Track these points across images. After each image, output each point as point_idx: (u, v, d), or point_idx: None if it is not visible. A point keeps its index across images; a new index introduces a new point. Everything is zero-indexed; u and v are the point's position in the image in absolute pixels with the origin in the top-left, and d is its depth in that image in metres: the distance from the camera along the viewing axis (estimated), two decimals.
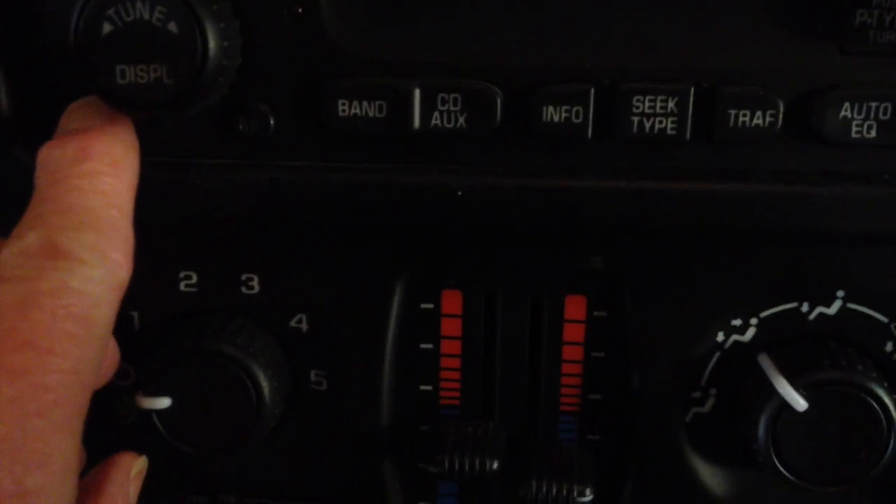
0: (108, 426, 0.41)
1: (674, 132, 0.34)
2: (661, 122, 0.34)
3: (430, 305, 0.41)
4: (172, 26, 0.30)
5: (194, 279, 0.40)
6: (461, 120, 0.35)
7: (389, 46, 0.35)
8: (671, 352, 0.39)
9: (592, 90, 0.34)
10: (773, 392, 0.37)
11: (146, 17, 0.30)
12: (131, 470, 0.36)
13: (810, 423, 0.37)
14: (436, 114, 0.35)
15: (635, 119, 0.34)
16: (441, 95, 0.35)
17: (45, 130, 0.33)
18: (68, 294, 0.29)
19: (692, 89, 0.34)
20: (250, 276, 0.40)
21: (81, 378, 0.29)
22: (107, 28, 0.30)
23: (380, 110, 0.35)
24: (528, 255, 0.39)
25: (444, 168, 0.36)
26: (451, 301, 0.41)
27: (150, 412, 0.38)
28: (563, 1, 0.34)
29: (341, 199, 0.36)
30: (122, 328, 0.40)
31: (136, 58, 0.31)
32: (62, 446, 0.28)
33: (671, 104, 0.34)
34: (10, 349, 0.27)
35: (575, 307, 0.40)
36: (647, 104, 0.34)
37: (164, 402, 0.38)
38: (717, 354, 0.39)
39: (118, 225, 0.31)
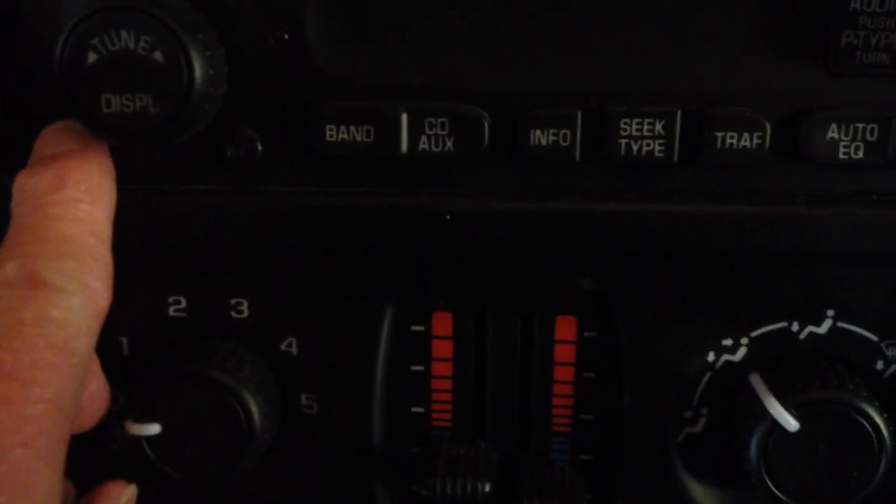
0: (96, 452, 0.41)
1: (661, 155, 0.34)
2: (648, 145, 0.34)
3: (421, 328, 0.40)
4: (158, 55, 0.30)
5: (183, 304, 0.40)
6: (449, 143, 0.35)
7: (376, 70, 0.35)
8: (662, 371, 0.39)
9: (579, 113, 0.34)
10: (764, 412, 0.37)
11: (131, 46, 0.30)
12: (121, 499, 0.36)
13: (802, 442, 0.37)
14: (423, 137, 0.35)
15: (623, 142, 0.34)
16: (428, 119, 0.35)
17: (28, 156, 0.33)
18: (48, 324, 0.29)
19: (679, 112, 0.34)
20: (240, 300, 0.40)
21: (63, 407, 0.29)
22: (92, 57, 0.30)
23: (367, 135, 0.35)
24: (517, 277, 0.39)
25: (432, 191, 0.36)
26: (442, 323, 0.40)
27: (139, 438, 0.38)
28: (549, 24, 0.34)
29: (330, 223, 0.36)
30: (111, 354, 0.39)
31: (121, 87, 0.30)
32: (45, 476, 0.28)
33: (658, 127, 0.34)
34: None
35: (566, 328, 0.40)
36: (634, 127, 0.34)
37: (153, 429, 0.38)
38: (709, 374, 0.39)
39: (96, 252, 0.31)
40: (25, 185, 0.31)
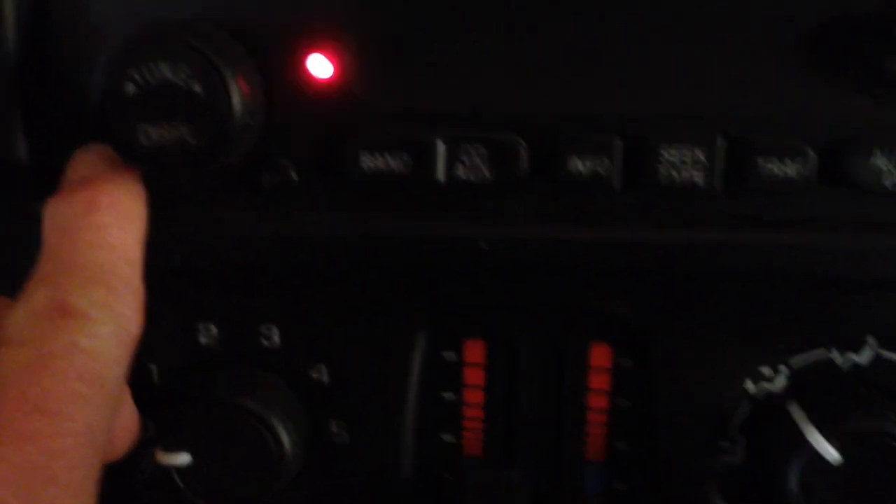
0: (125, 482, 0.40)
1: (703, 182, 0.34)
2: (689, 173, 0.34)
3: (453, 355, 0.40)
4: (197, 86, 0.30)
5: (213, 330, 0.39)
6: (485, 171, 0.34)
7: (411, 98, 0.34)
8: (699, 400, 0.39)
9: (619, 140, 0.34)
10: (804, 443, 0.36)
11: (170, 77, 0.30)
12: None
13: (843, 474, 0.36)
14: (459, 165, 0.34)
15: (663, 169, 0.34)
16: (465, 146, 0.34)
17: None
18: (78, 354, 0.28)
19: (721, 138, 0.34)
20: (270, 326, 0.39)
21: (93, 440, 0.28)
22: (130, 88, 0.30)
23: (403, 162, 0.34)
24: (552, 304, 0.39)
25: (468, 219, 0.35)
26: (474, 350, 0.40)
27: (169, 468, 0.38)
28: (588, 49, 0.34)
29: (363, 249, 0.36)
30: (141, 381, 0.39)
31: (159, 118, 0.30)
32: None
33: (700, 154, 0.34)
34: (20, 414, 0.27)
35: (600, 355, 0.39)
36: (675, 154, 0.34)
37: (183, 459, 0.37)
38: (746, 403, 0.39)
39: (127, 279, 0.30)
40: (56, 210, 0.31)
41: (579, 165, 0.34)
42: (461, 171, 0.34)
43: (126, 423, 0.36)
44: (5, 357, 0.28)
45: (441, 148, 0.34)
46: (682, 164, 0.34)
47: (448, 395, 0.40)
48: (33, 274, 0.30)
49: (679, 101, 0.34)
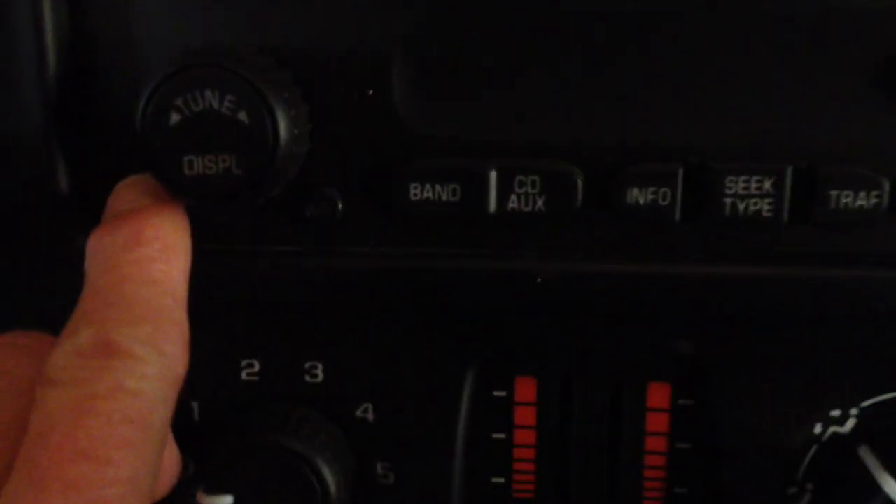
0: None
1: (770, 214, 0.32)
2: (755, 204, 0.32)
3: (503, 393, 0.38)
4: (243, 115, 0.29)
5: (256, 367, 0.38)
6: (540, 202, 0.33)
7: (463, 126, 0.33)
8: (764, 444, 0.37)
9: (681, 170, 0.32)
10: (876, 488, 0.34)
11: (215, 106, 0.29)
12: None
13: None
14: (513, 196, 0.33)
15: (728, 200, 0.32)
16: (518, 177, 0.33)
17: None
18: (124, 396, 0.27)
19: (789, 169, 0.32)
20: (314, 363, 0.38)
21: (140, 486, 0.27)
22: (174, 118, 0.29)
23: (453, 193, 0.33)
24: (607, 340, 0.37)
25: (521, 253, 0.34)
26: (525, 388, 0.38)
27: None
28: (647, 74, 0.32)
29: (412, 286, 0.34)
30: (181, 419, 0.38)
31: (204, 148, 0.29)
32: None
33: (767, 184, 0.32)
34: (65, 461, 0.25)
35: (658, 395, 0.38)
36: (740, 185, 0.32)
37: (226, 501, 0.36)
38: (815, 447, 0.37)
39: (173, 315, 0.29)
40: (99, 244, 0.30)
41: (638, 196, 0.33)
42: (514, 202, 0.33)
43: (167, 462, 0.35)
44: (48, 398, 0.27)
45: (493, 177, 0.33)
46: (748, 194, 0.32)
47: (498, 435, 0.39)
48: (76, 310, 0.29)
49: (745, 129, 0.32)
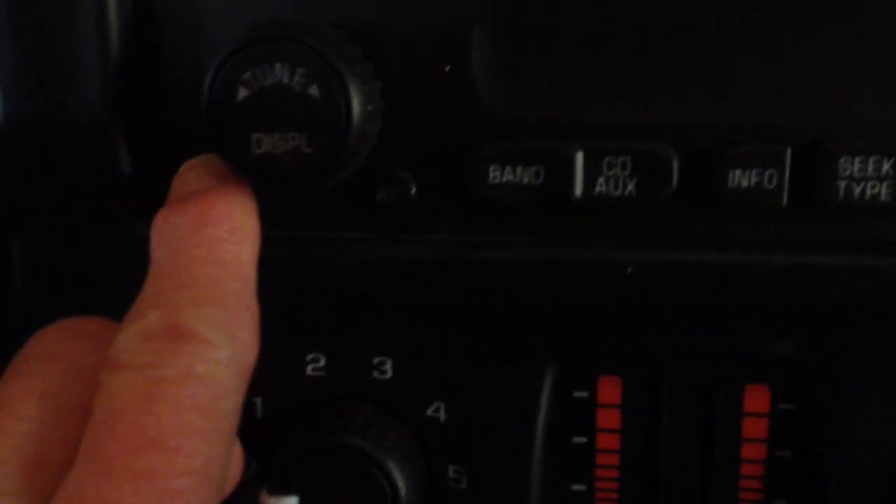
0: None
1: (889, 199, 0.29)
2: (873, 187, 0.29)
3: (585, 394, 0.36)
4: (314, 90, 0.27)
5: (322, 362, 0.36)
6: (630, 186, 0.31)
7: (547, 105, 0.31)
8: (874, 453, 0.34)
9: (789, 150, 0.29)
10: None
11: (286, 80, 0.27)
12: None
13: None
14: (601, 179, 0.31)
15: (842, 184, 0.29)
16: (607, 159, 0.30)
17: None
18: (194, 382, 0.25)
19: None
20: (383, 359, 0.36)
21: (211, 478, 0.25)
22: (242, 93, 0.27)
23: (536, 176, 0.31)
24: (701, 338, 0.34)
25: (610, 241, 0.31)
26: (609, 389, 0.36)
27: None
28: (749, 47, 0.29)
29: (490, 276, 0.32)
30: (244, 415, 0.36)
31: (273, 125, 0.27)
32: None
33: (886, 166, 0.29)
34: (133, 450, 0.24)
35: (756, 398, 0.35)
36: (856, 166, 0.29)
37: (291, 502, 0.34)
38: None
39: (244, 298, 0.28)
40: (164, 225, 0.29)
41: (740, 179, 0.30)
42: (602, 186, 0.31)
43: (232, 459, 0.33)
44: (113, 382, 0.25)
45: (580, 159, 0.30)
46: (865, 177, 0.29)
47: (579, 439, 0.36)
48: (142, 293, 0.28)
49: (861, 105, 0.29)
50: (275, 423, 0.37)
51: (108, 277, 0.32)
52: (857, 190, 0.29)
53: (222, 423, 0.26)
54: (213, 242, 0.28)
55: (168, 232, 0.28)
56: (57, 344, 0.29)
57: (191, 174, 0.30)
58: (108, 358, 0.26)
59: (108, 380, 0.25)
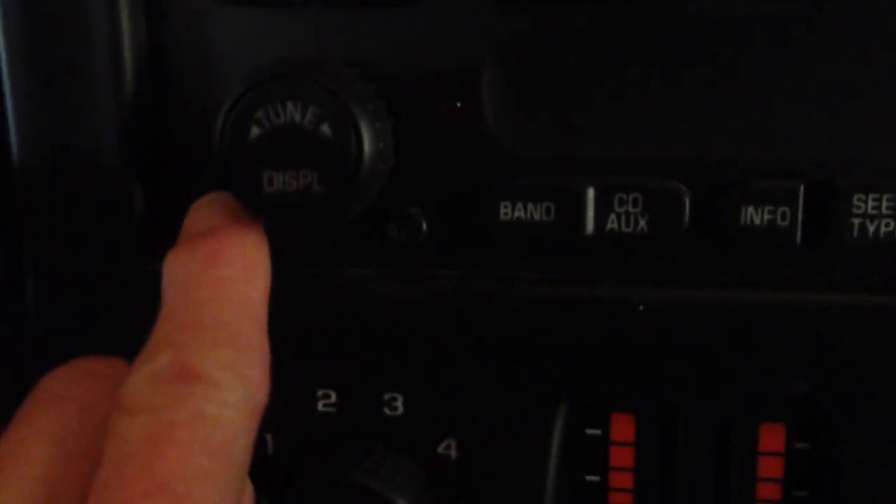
0: None
1: None
2: (888, 225, 0.29)
3: (598, 431, 0.35)
4: (325, 128, 0.27)
5: (333, 398, 0.36)
6: (642, 223, 0.30)
7: (558, 141, 0.31)
8: (891, 495, 0.33)
9: (802, 187, 0.29)
10: None
11: (297, 119, 0.27)
12: None
13: None
14: (612, 216, 0.30)
15: (856, 221, 0.29)
16: (619, 195, 0.30)
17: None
18: (205, 424, 0.25)
19: None
20: (394, 395, 0.36)
21: None
22: (255, 132, 0.27)
23: (547, 213, 0.31)
24: (715, 376, 0.34)
25: (622, 279, 0.31)
26: (622, 427, 0.35)
27: None
28: (763, 83, 0.29)
29: (501, 313, 0.32)
30: (255, 452, 0.36)
31: (285, 163, 0.27)
32: None
33: None
34: (142, 495, 0.24)
35: (772, 437, 0.34)
36: (870, 204, 0.29)
37: None
38: None
39: (254, 339, 0.28)
40: (175, 264, 0.29)
41: (753, 216, 0.30)
42: (613, 223, 0.30)
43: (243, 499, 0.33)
44: (122, 425, 0.25)
45: (591, 196, 0.30)
46: (880, 215, 0.29)
47: (591, 478, 0.36)
48: (152, 334, 0.28)
49: (876, 142, 0.29)
50: (285, 459, 0.37)
51: (122, 315, 0.32)
52: (872, 228, 0.29)
53: (233, 466, 0.26)
54: (224, 282, 0.27)
55: (179, 271, 0.28)
56: (68, 386, 0.29)
57: (202, 212, 0.30)
58: (118, 400, 0.25)
59: (118, 423, 0.25)
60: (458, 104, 0.31)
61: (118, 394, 0.26)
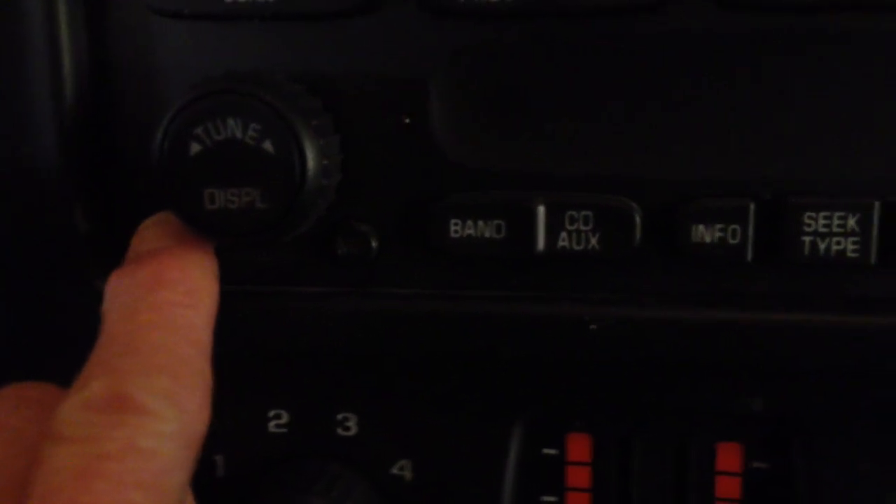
0: None
1: (855, 255, 0.29)
2: (839, 243, 0.29)
3: (554, 451, 0.35)
4: (267, 145, 0.26)
5: (285, 419, 0.35)
6: (593, 240, 0.30)
7: (509, 157, 0.30)
8: None
9: (752, 205, 0.29)
10: None
11: (238, 135, 0.26)
12: None
13: None
14: (563, 234, 0.30)
15: (807, 239, 0.29)
16: (569, 213, 0.30)
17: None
18: (137, 457, 0.24)
19: (877, 205, 0.28)
20: (347, 415, 0.35)
21: None
22: (195, 148, 0.27)
23: (498, 230, 0.30)
24: (670, 395, 0.33)
25: (573, 297, 0.31)
26: (579, 446, 0.35)
27: None
28: (713, 99, 0.29)
29: (453, 331, 0.32)
30: (204, 474, 0.35)
31: (226, 181, 0.27)
32: None
33: (851, 222, 0.28)
34: None
35: (729, 457, 0.34)
36: (821, 222, 0.29)
37: None
38: None
39: (194, 365, 0.27)
40: (117, 286, 0.28)
41: (704, 234, 0.29)
42: (564, 240, 0.30)
43: None
44: (54, 456, 0.24)
45: (542, 213, 0.30)
46: (830, 233, 0.29)
47: (548, 498, 0.35)
48: (89, 359, 0.27)
49: (825, 160, 0.29)
50: (236, 481, 0.36)
51: (66, 338, 0.31)
52: (823, 246, 0.29)
53: (167, 499, 0.24)
54: (165, 306, 0.27)
55: (120, 294, 0.27)
56: None
57: (149, 232, 0.29)
58: (48, 428, 0.25)
59: (48, 453, 0.24)
60: (407, 119, 0.30)
61: (49, 422, 0.25)
